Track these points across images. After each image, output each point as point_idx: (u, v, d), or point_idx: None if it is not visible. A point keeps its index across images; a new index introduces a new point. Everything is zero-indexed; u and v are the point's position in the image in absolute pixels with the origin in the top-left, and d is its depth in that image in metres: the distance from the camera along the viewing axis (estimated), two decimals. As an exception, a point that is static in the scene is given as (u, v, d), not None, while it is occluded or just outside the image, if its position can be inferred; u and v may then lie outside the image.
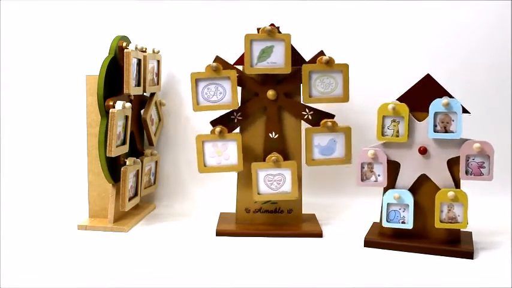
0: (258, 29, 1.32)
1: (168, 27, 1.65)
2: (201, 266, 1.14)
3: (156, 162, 1.61)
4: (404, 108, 1.23)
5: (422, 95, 1.22)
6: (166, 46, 1.64)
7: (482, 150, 1.19)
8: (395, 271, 1.12)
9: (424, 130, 1.23)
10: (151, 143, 1.59)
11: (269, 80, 1.34)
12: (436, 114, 1.21)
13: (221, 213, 1.49)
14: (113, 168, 1.40)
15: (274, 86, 1.35)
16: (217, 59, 1.33)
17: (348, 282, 1.06)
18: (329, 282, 1.07)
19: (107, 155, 1.31)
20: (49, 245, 1.26)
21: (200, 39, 1.64)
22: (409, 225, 1.24)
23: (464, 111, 1.22)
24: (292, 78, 1.34)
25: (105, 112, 1.34)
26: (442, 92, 1.22)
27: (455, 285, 1.05)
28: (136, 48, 1.42)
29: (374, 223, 1.38)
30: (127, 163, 1.40)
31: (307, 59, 1.35)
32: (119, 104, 1.33)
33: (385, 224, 1.25)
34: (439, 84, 1.23)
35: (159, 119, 1.64)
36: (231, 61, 1.35)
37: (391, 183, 1.26)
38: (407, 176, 1.25)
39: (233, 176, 1.42)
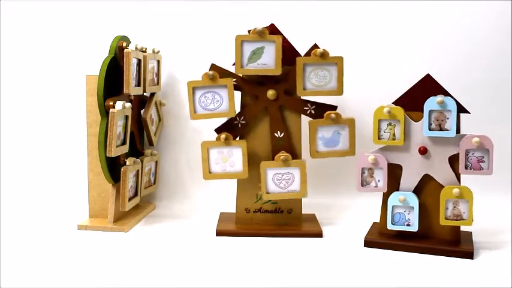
0: (249, 31, 1.32)
1: (168, 27, 1.66)
2: (201, 266, 1.14)
3: (156, 162, 1.61)
4: (400, 112, 1.23)
5: (422, 95, 1.22)
6: (166, 46, 1.64)
7: (482, 145, 1.19)
8: (395, 271, 1.12)
9: (422, 130, 1.23)
10: (151, 143, 1.59)
11: (267, 80, 1.34)
12: (430, 112, 1.21)
13: (221, 213, 1.49)
14: (113, 168, 1.40)
15: (273, 86, 1.35)
16: (213, 67, 1.34)
17: (348, 282, 1.06)
18: (329, 282, 1.07)
19: (107, 155, 1.31)
20: (49, 245, 1.26)
21: (200, 39, 1.64)
22: (414, 227, 1.24)
23: (464, 111, 1.22)
24: (291, 75, 1.34)
25: (105, 112, 1.34)
26: (442, 92, 1.22)
27: (455, 285, 1.05)
28: (136, 48, 1.42)
29: (374, 223, 1.38)
30: (127, 163, 1.40)
31: (305, 57, 1.35)
32: (119, 104, 1.33)
33: (390, 227, 1.25)
34: (439, 84, 1.23)
35: (159, 119, 1.64)
36: (231, 61, 1.35)
37: (395, 186, 1.26)
38: (410, 178, 1.25)
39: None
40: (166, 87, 1.67)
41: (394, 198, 1.24)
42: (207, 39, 1.63)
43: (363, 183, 1.27)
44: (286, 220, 1.41)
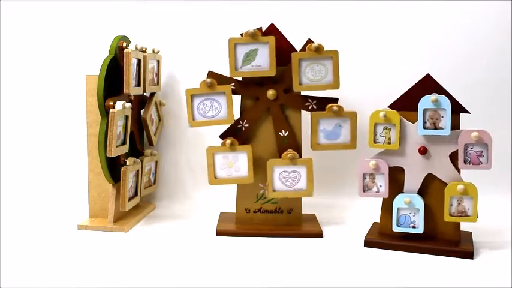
0: (241, 34, 1.32)
1: (168, 27, 1.66)
2: (201, 266, 1.14)
3: (156, 162, 1.61)
4: (395, 116, 1.23)
5: (423, 95, 1.22)
6: (166, 46, 1.64)
7: (480, 139, 1.19)
8: (395, 271, 1.12)
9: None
10: (151, 143, 1.59)
11: (266, 81, 1.34)
12: (425, 110, 1.21)
13: (221, 213, 1.49)
14: (113, 168, 1.40)
15: (272, 86, 1.35)
16: (211, 74, 1.34)
17: (348, 282, 1.06)
18: (329, 282, 1.07)
19: (107, 155, 1.31)
20: (49, 245, 1.26)
21: (200, 39, 1.64)
22: (420, 229, 1.23)
23: (464, 111, 1.22)
24: (288, 74, 1.34)
25: (105, 112, 1.34)
26: (442, 92, 1.22)
27: (455, 285, 1.05)
28: (136, 48, 1.42)
29: (374, 223, 1.38)
30: (127, 163, 1.40)
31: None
32: (119, 104, 1.33)
33: (395, 229, 1.25)
34: (439, 84, 1.23)
35: (159, 119, 1.64)
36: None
37: (397, 190, 1.26)
38: (413, 179, 1.25)
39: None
40: (166, 87, 1.67)
41: (400, 200, 1.24)
42: (207, 39, 1.63)
43: (365, 189, 1.27)
44: (286, 220, 1.41)
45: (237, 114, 1.37)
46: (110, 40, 1.42)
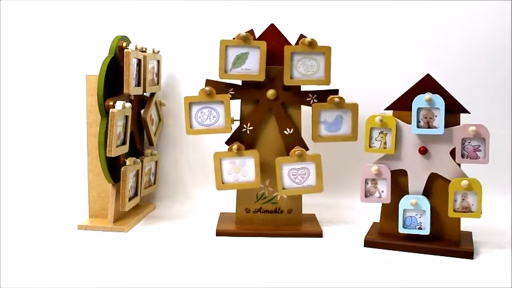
0: (233, 39, 1.32)
1: (168, 27, 1.65)
2: (201, 266, 1.14)
3: (156, 162, 1.61)
4: (391, 120, 1.23)
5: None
6: (166, 46, 1.64)
7: (478, 134, 1.19)
8: (395, 271, 1.12)
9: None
10: (151, 143, 1.59)
11: (264, 81, 1.34)
12: (419, 110, 1.21)
13: (221, 213, 1.49)
14: (113, 168, 1.40)
15: (271, 86, 1.35)
16: (209, 83, 1.34)
17: (348, 282, 1.06)
18: (329, 282, 1.06)
19: (107, 155, 1.31)
20: (49, 245, 1.26)
21: (200, 39, 1.64)
22: (426, 231, 1.23)
23: (464, 111, 1.22)
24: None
25: (105, 112, 1.34)
26: (442, 92, 1.22)
27: (455, 285, 1.05)
28: (136, 48, 1.42)
29: (374, 223, 1.38)
30: (127, 163, 1.40)
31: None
32: (119, 104, 1.33)
33: (401, 230, 1.25)
34: (439, 84, 1.23)
35: (159, 119, 1.64)
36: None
37: (401, 192, 1.26)
38: (417, 180, 1.25)
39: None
40: (166, 87, 1.67)
41: (406, 202, 1.24)
42: (207, 39, 1.63)
43: (367, 194, 1.27)
44: (286, 220, 1.41)
45: (236, 120, 1.37)
46: (110, 40, 1.42)
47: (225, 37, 1.34)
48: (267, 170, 1.37)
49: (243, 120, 1.37)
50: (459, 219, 1.25)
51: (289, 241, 1.31)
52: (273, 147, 1.37)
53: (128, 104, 1.36)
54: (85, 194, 1.48)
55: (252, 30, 1.34)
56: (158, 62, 1.57)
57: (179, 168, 1.69)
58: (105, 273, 1.10)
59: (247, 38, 1.30)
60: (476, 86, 1.57)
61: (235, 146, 1.33)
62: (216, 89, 1.33)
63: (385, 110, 1.27)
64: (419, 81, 1.24)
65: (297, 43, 1.33)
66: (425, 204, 1.23)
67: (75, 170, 1.68)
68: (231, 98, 1.35)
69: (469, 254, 1.20)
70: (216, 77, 1.33)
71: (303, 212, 1.42)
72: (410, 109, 1.23)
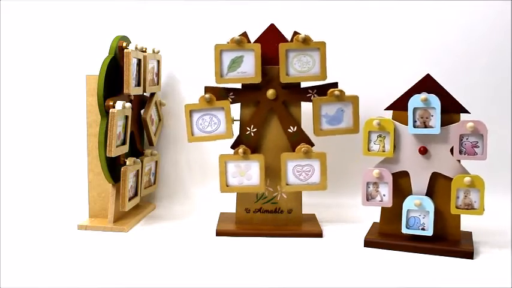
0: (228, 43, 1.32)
1: (168, 27, 1.66)
2: (201, 266, 1.14)
3: (156, 162, 1.61)
4: (389, 124, 1.23)
5: (422, 95, 1.22)
6: (166, 46, 1.64)
7: (476, 130, 1.19)
8: (395, 271, 1.12)
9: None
10: (151, 143, 1.59)
11: (263, 82, 1.34)
12: (415, 109, 1.22)
13: (221, 213, 1.49)
14: (113, 168, 1.40)
15: (270, 86, 1.35)
16: (208, 89, 1.34)
17: (348, 282, 1.06)
18: (329, 282, 1.06)
19: (107, 155, 1.31)
20: (49, 245, 1.26)
21: (200, 39, 1.64)
22: (429, 232, 1.23)
23: (464, 111, 1.22)
24: None
25: (105, 112, 1.34)
26: (442, 92, 1.22)
27: (455, 285, 1.05)
28: (136, 48, 1.42)
29: (374, 223, 1.38)
30: (127, 163, 1.40)
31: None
32: (119, 104, 1.33)
33: (404, 231, 1.24)
34: (439, 84, 1.23)
35: (159, 119, 1.64)
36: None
37: (402, 194, 1.26)
38: (419, 181, 1.25)
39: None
40: (166, 87, 1.67)
41: (409, 202, 1.24)
42: (207, 39, 1.63)
43: (368, 198, 1.27)
44: (286, 220, 1.41)
45: (236, 120, 1.37)
46: (110, 40, 1.42)
47: (224, 37, 1.34)
48: (267, 170, 1.37)
49: (246, 123, 1.36)
50: (459, 219, 1.25)
51: (289, 241, 1.31)
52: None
53: (128, 104, 1.36)
54: (85, 194, 1.48)
55: (245, 32, 1.34)
56: (158, 62, 1.57)
57: (179, 168, 1.69)
58: (105, 273, 1.10)
59: (241, 41, 1.30)
60: (476, 86, 1.57)
61: (241, 150, 1.33)
62: (216, 94, 1.34)
63: (385, 110, 1.27)
64: (419, 81, 1.24)
65: (291, 40, 1.33)
66: (429, 205, 1.23)
67: (75, 170, 1.68)
68: (232, 102, 1.35)
69: (469, 254, 1.20)
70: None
71: (303, 212, 1.42)
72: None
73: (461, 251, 1.20)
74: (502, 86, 1.57)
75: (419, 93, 1.22)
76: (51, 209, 1.57)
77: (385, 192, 1.26)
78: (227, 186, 1.35)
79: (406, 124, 1.23)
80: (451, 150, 1.22)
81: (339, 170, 1.61)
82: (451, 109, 1.22)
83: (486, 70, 1.57)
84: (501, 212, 1.52)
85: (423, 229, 1.24)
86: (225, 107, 1.33)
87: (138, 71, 1.42)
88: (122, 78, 1.35)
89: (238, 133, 1.38)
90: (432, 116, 1.21)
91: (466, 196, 1.21)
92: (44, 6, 1.69)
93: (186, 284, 1.05)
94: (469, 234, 1.30)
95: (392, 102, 1.26)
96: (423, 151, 1.24)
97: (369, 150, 1.26)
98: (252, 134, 1.37)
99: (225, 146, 1.41)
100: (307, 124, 1.37)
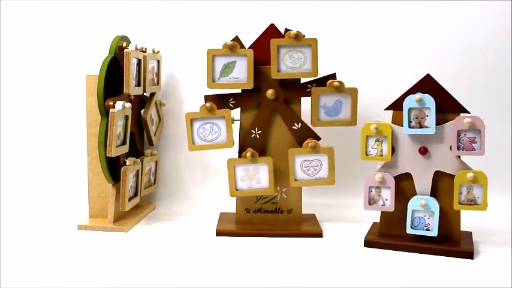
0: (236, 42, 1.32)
1: (168, 27, 1.66)
2: (201, 266, 1.14)
3: (156, 162, 1.61)
4: (386, 128, 1.23)
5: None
6: (166, 46, 1.64)
7: (473, 125, 1.19)
8: (395, 271, 1.12)
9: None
10: (151, 143, 1.59)
11: (261, 84, 1.34)
12: (410, 110, 1.22)
13: (221, 213, 1.49)
14: (113, 168, 1.40)
15: (269, 86, 1.35)
16: (208, 98, 1.34)
17: (348, 282, 1.06)
18: (329, 282, 1.06)
19: (107, 155, 1.31)
20: (49, 245, 1.26)
21: (200, 39, 1.64)
22: (434, 232, 1.23)
23: (464, 111, 1.22)
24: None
25: (105, 112, 1.34)
26: (442, 92, 1.22)
27: (455, 285, 1.05)
28: (136, 48, 1.42)
29: (374, 223, 1.38)
30: (127, 163, 1.40)
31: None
32: (119, 104, 1.33)
33: (409, 231, 1.24)
34: (439, 84, 1.23)
35: (159, 119, 1.64)
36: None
37: (406, 194, 1.26)
38: (422, 181, 1.25)
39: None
40: (166, 87, 1.67)
41: (415, 203, 1.24)
42: (207, 39, 1.63)
43: (370, 202, 1.27)
44: (286, 220, 1.41)
45: (236, 120, 1.37)
46: (110, 40, 1.42)
47: (224, 37, 1.34)
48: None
49: (250, 126, 1.36)
50: (459, 219, 1.25)
51: (289, 241, 1.31)
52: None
53: (128, 104, 1.36)
54: (85, 194, 1.48)
55: (237, 37, 1.34)
56: (158, 62, 1.57)
57: (179, 168, 1.69)
58: (105, 273, 1.10)
59: (234, 46, 1.30)
60: (476, 86, 1.57)
61: (249, 153, 1.33)
62: (216, 102, 1.34)
63: (385, 110, 1.27)
64: (419, 81, 1.24)
65: (282, 36, 1.33)
66: (434, 205, 1.23)
67: (75, 170, 1.68)
68: (233, 108, 1.35)
69: (469, 254, 1.19)
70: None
71: (303, 212, 1.42)
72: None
73: (461, 251, 1.20)
74: (502, 86, 1.57)
75: (419, 93, 1.22)
76: (51, 209, 1.57)
77: (388, 197, 1.26)
78: (236, 190, 1.36)
79: (405, 124, 1.24)
80: (451, 148, 1.22)
81: (339, 170, 1.60)
82: (451, 109, 1.22)
83: (486, 70, 1.57)
84: (501, 212, 1.52)
85: (428, 229, 1.24)
86: (226, 116, 1.33)
87: (138, 71, 1.42)
88: (122, 78, 1.35)
89: (238, 135, 1.38)
90: (427, 116, 1.21)
91: (469, 192, 1.21)
92: (44, 6, 1.69)
93: (186, 284, 1.05)
94: (469, 234, 1.30)
95: (392, 102, 1.26)
96: (423, 151, 1.24)
97: (366, 154, 1.26)
98: (258, 136, 1.36)
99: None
100: (304, 121, 1.37)
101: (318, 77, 1.34)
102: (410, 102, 1.21)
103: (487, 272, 1.12)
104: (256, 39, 1.36)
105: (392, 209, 1.26)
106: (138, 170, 1.46)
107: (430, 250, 1.22)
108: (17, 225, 1.42)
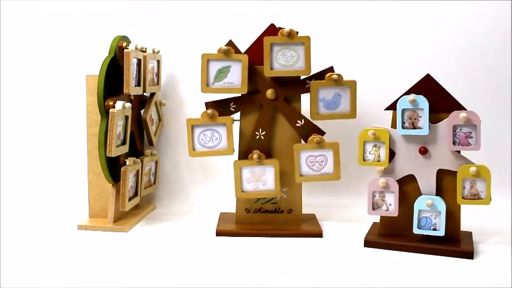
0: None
1: (168, 27, 1.66)
2: (201, 266, 1.14)
3: (156, 162, 1.61)
4: (384, 134, 1.23)
5: (423, 95, 1.22)
6: (166, 46, 1.64)
7: (469, 120, 1.19)
8: (395, 271, 1.12)
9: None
10: (151, 143, 1.59)
11: (260, 85, 1.34)
12: (403, 111, 1.22)
13: (221, 213, 1.49)
14: (113, 168, 1.40)
15: (268, 86, 1.35)
16: (209, 105, 1.34)
17: (348, 282, 1.06)
18: (329, 282, 1.07)
19: (107, 155, 1.31)
20: (49, 245, 1.26)
21: (200, 39, 1.64)
22: (441, 232, 1.23)
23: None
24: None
25: (105, 112, 1.34)
26: (442, 92, 1.22)
27: (455, 285, 1.05)
28: (136, 48, 1.42)
29: (374, 223, 1.38)
30: (127, 163, 1.40)
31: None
32: (119, 104, 1.33)
33: (416, 231, 1.24)
34: (439, 84, 1.23)
35: (159, 119, 1.64)
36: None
37: (413, 198, 1.26)
38: (426, 181, 1.25)
39: (233, 175, 1.42)
40: (166, 87, 1.67)
41: (421, 203, 1.24)
42: (207, 39, 1.63)
43: (374, 207, 1.27)
44: (286, 220, 1.41)
45: (236, 120, 1.37)
46: (110, 40, 1.42)
47: (224, 37, 1.34)
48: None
49: (253, 128, 1.36)
50: (459, 218, 1.25)
51: (289, 241, 1.31)
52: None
53: (128, 104, 1.36)
54: (85, 194, 1.48)
55: (231, 41, 1.34)
56: (158, 62, 1.57)
57: (179, 168, 1.69)
58: (105, 273, 1.10)
59: (229, 51, 1.30)
60: (476, 86, 1.57)
61: (255, 155, 1.33)
62: (216, 107, 1.34)
63: (384, 110, 1.27)
64: (419, 81, 1.24)
65: (275, 34, 1.33)
66: (441, 205, 1.22)
67: (75, 170, 1.68)
68: (234, 111, 1.35)
69: (469, 254, 1.19)
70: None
71: (303, 212, 1.42)
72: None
73: (461, 251, 1.20)
74: (502, 86, 1.57)
75: (419, 93, 1.22)
76: (51, 209, 1.57)
77: (391, 202, 1.26)
78: (242, 191, 1.35)
79: (403, 125, 1.24)
80: (447, 143, 1.22)
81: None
82: (452, 109, 1.22)
83: (486, 70, 1.57)
84: (501, 212, 1.52)
85: (435, 229, 1.24)
86: (226, 123, 1.34)
87: (138, 71, 1.42)
88: (122, 78, 1.35)
89: (238, 137, 1.38)
90: (421, 117, 1.21)
91: (472, 186, 1.21)
92: (44, 6, 1.69)
93: (186, 284, 1.05)
94: (469, 234, 1.30)
95: (392, 102, 1.26)
96: (423, 151, 1.24)
97: (364, 160, 1.26)
98: (262, 138, 1.36)
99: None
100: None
101: (316, 72, 1.34)
102: (403, 103, 1.22)
103: (487, 272, 1.12)
104: (257, 39, 1.36)
105: (396, 214, 1.26)
106: (138, 170, 1.46)
107: (431, 250, 1.22)
108: (17, 225, 1.42)
